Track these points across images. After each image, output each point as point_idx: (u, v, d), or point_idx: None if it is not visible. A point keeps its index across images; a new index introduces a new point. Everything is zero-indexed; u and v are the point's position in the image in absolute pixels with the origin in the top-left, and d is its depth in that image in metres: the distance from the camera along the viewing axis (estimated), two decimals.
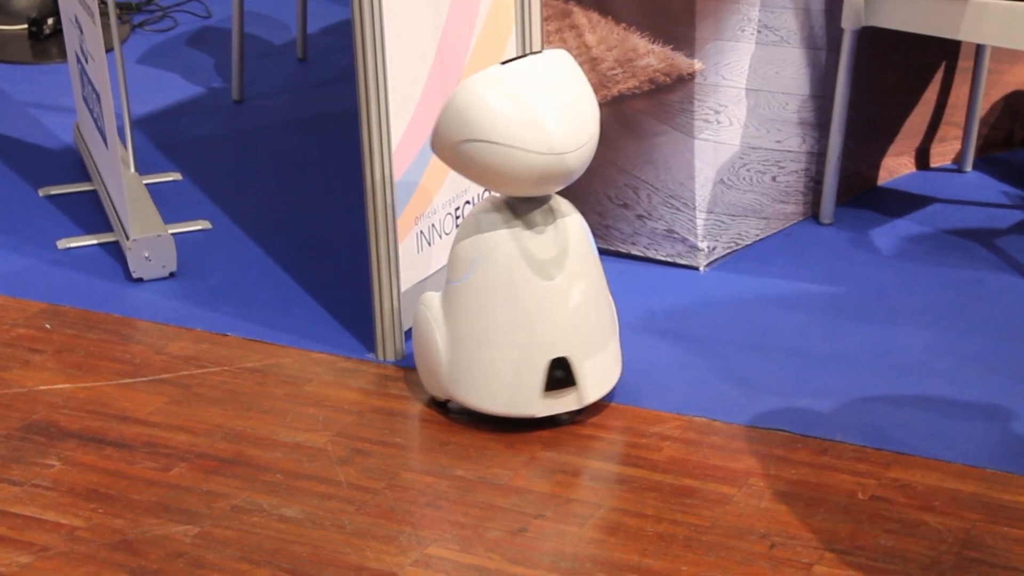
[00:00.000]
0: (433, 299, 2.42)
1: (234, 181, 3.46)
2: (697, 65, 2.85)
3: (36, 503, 2.20)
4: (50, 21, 4.38)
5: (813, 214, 3.17)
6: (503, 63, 2.31)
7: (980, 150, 3.45)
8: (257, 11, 4.70)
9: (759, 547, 2.09)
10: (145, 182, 3.33)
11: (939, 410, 2.43)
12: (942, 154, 3.44)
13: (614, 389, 2.48)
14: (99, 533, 2.13)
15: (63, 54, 4.23)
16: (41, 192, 3.37)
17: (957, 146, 3.43)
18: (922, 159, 3.42)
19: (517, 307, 2.33)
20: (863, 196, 3.29)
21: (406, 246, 2.62)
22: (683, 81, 2.86)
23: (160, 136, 3.71)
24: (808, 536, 2.11)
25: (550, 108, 2.27)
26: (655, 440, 2.36)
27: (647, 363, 2.60)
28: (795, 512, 2.17)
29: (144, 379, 2.56)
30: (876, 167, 3.34)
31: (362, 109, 2.49)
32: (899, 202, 3.26)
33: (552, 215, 2.37)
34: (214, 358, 2.63)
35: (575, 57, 2.92)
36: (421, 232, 2.66)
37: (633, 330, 2.72)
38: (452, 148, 2.31)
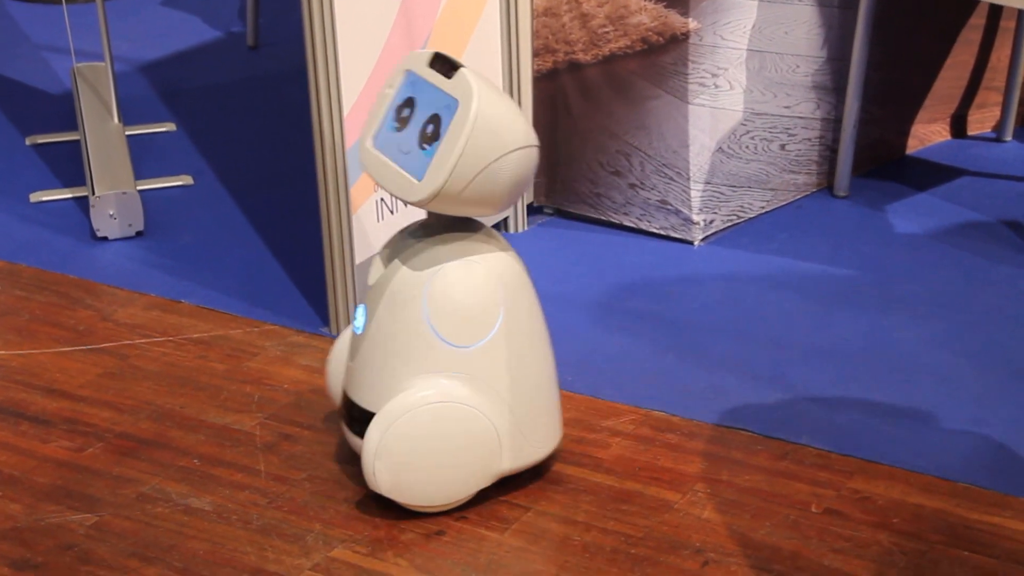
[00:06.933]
0: (451, 391, 1.97)
1: (229, 134, 3.32)
2: (692, 24, 2.64)
3: None
4: None
5: (828, 185, 2.94)
6: (446, 60, 1.95)
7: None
8: None
9: (690, 564, 1.91)
10: (132, 133, 3.21)
11: (920, 413, 2.22)
12: (980, 121, 3.18)
13: (571, 376, 2.31)
14: None
15: None
16: (28, 140, 3.26)
17: (997, 113, 3.17)
18: (958, 127, 3.17)
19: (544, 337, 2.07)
20: (889, 166, 3.05)
21: (363, 214, 2.46)
22: (677, 41, 2.65)
23: (163, 84, 3.59)
24: (747, 553, 1.92)
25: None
26: (605, 436, 2.18)
27: (615, 347, 2.41)
28: (738, 525, 1.98)
29: (83, 348, 2.44)
30: (905, 135, 3.09)
31: (310, 70, 2.33)
32: (926, 173, 3.02)
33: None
34: (161, 327, 2.50)
35: (566, 13, 2.72)
36: (382, 199, 2.50)
37: (609, 309, 2.53)
38: (480, 173, 1.88)
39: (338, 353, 2.12)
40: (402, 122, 1.95)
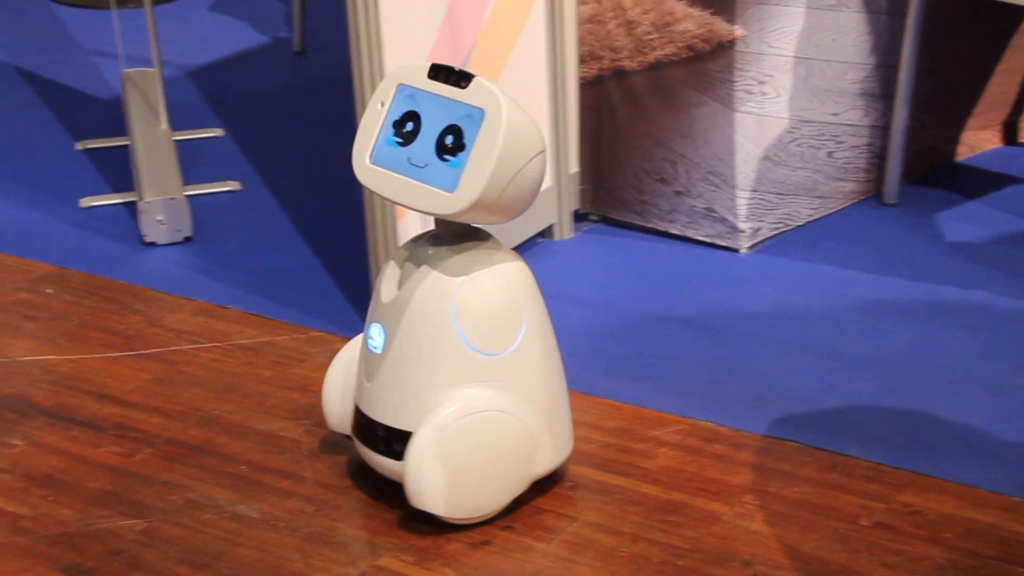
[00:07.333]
0: (488, 400, 1.97)
1: (277, 139, 3.33)
2: (738, 31, 2.63)
3: None
4: None
5: (877, 193, 2.93)
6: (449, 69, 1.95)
7: None
8: None
9: None
10: (181, 138, 3.23)
11: (972, 425, 2.20)
12: None
13: (617, 385, 2.31)
14: (42, 524, 2.02)
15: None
16: (78, 145, 3.29)
17: None
18: (1009, 133, 3.15)
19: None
20: (938, 173, 3.03)
21: (408, 221, 2.46)
22: (723, 48, 2.64)
23: (211, 89, 3.61)
24: (795, 566, 1.91)
25: None
26: (651, 446, 2.18)
27: (661, 356, 2.41)
28: (786, 537, 1.97)
29: (132, 353, 2.45)
30: (955, 142, 3.07)
31: (355, 76, 2.33)
32: (977, 181, 3.00)
33: None
34: (208, 333, 2.51)
35: (611, 20, 2.72)
36: None
37: (655, 318, 2.53)
38: (513, 179, 1.89)
39: (335, 378, 2.12)
40: (406, 136, 1.94)
